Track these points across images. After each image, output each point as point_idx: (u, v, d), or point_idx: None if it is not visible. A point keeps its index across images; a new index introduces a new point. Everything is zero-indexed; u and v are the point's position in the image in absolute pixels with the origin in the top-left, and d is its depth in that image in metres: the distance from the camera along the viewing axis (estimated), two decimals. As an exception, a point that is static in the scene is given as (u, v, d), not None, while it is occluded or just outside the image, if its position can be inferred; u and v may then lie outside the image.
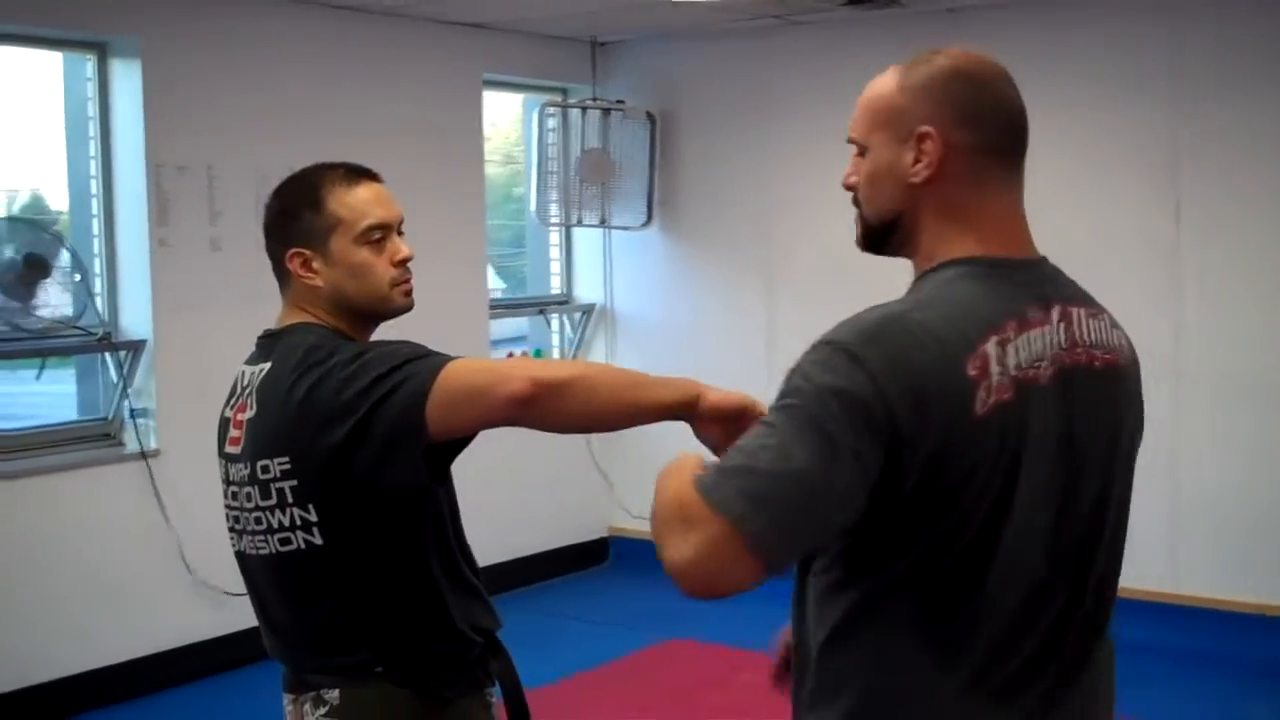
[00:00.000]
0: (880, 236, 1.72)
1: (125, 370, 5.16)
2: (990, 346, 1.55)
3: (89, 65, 5.19)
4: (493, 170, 7.33)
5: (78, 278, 4.99)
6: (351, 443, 2.04)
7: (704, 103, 6.72)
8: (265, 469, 2.13)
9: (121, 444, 5.19)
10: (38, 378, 4.88)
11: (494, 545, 6.41)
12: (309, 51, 5.67)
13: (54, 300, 4.89)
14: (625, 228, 6.81)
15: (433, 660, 2.19)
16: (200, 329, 5.10)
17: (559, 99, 6.85)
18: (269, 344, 2.24)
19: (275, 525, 2.13)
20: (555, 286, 7.20)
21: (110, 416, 5.22)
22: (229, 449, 2.22)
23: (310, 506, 2.10)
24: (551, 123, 6.71)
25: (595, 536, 6.99)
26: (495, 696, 2.33)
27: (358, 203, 2.21)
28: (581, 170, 6.67)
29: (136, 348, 5.15)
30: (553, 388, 2.01)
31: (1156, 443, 5.46)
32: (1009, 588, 1.58)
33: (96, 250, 5.22)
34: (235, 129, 5.31)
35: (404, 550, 2.16)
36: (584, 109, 6.74)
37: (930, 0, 5.77)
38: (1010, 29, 5.82)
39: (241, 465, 2.18)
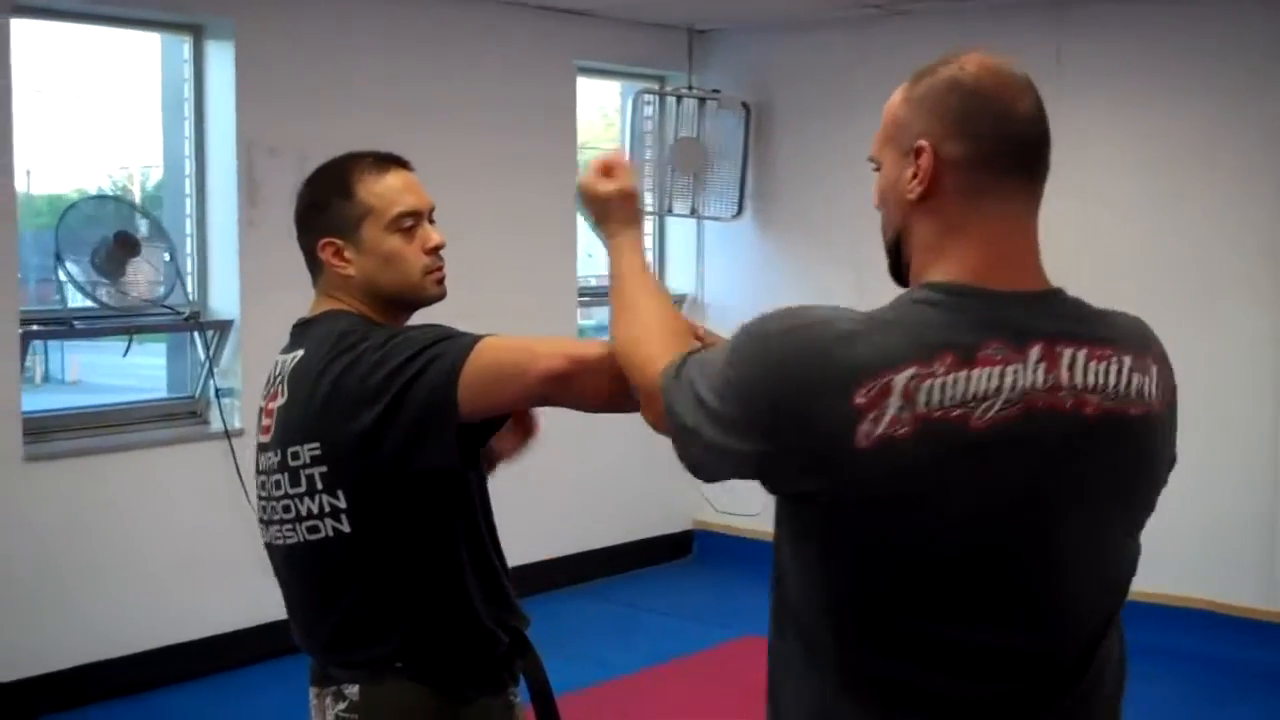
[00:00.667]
0: (894, 259, 1.65)
1: (212, 350, 5.23)
2: (899, 378, 1.45)
3: (185, 46, 5.26)
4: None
5: (167, 257, 5.06)
6: (381, 425, 2.02)
7: (801, 94, 6.62)
8: (295, 455, 2.11)
9: (207, 422, 5.26)
10: (124, 355, 4.96)
11: (577, 535, 6.45)
12: (402, 36, 5.68)
13: (144, 278, 4.96)
14: (716, 218, 6.75)
15: (455, 657, 2.15)
16: (286, 311, 5.01)
17: (655, 86, 6.79)
18: (302, 332, 2.24)
19: (304, 513, 2.11)
20: (647, 276, 7.13)
21: (197, 395, 5.30)
22: (260, 438, 2.22)
23: (340, 493, 2.08)
24: (648, 110, 6.65)
25: (679, 529, 6.94)
26: (520, 697, 2.29)
27: (388, 190, 2.19)
28: (673, 159, 6.62)
29: (224, 328, 5.21)
30: (588, 364, 1.97)
31: (1256, 456, 5.38)
32: (940, 643, 1.50)
33: (189, 230, 5.29)
34: (327, 112, 5.33)
35: (432, 541, 2.13)
36: (679, 97, 6.68)
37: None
38: (1120, 25, 5.65)
39: (271, 453, 2.17)
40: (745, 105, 6.67)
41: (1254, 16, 5.40)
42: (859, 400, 1.45)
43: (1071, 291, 1.61)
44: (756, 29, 6.70)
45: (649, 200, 6.66)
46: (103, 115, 5.39)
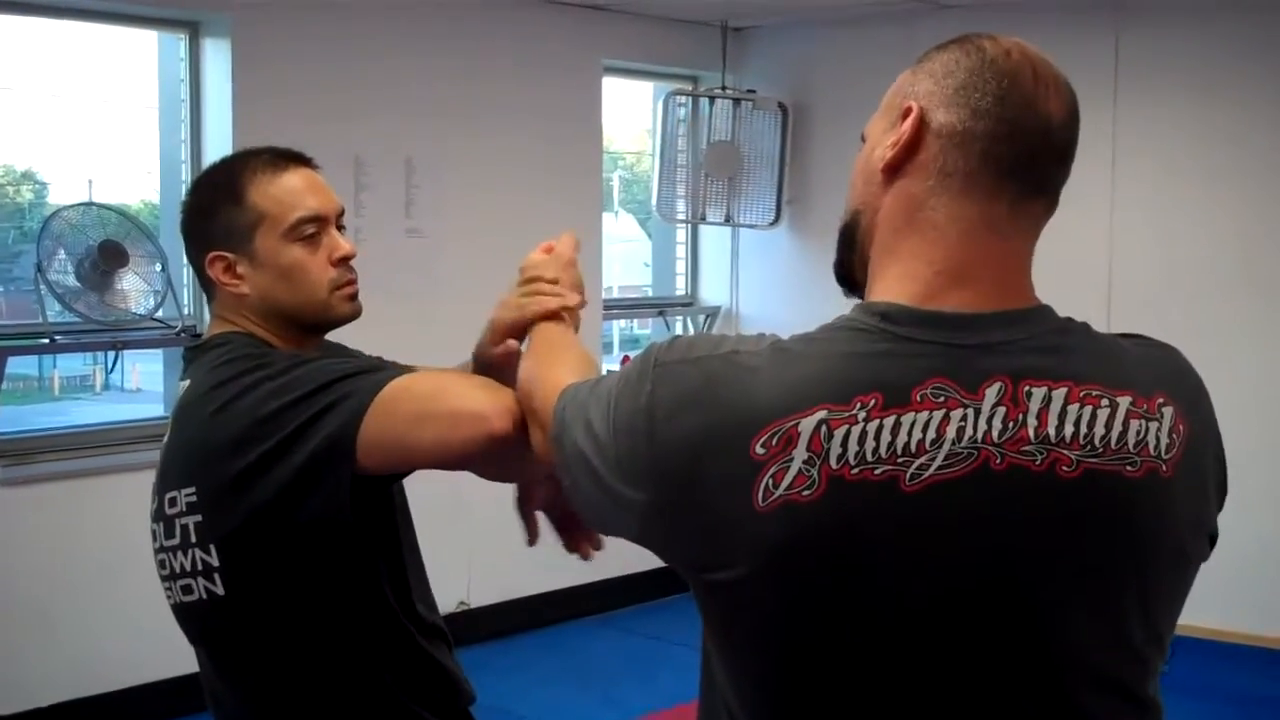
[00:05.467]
0: (843, 254, 1.34)
1: (205, 366, 4.92)
2: (806, 422, 1.13)
3: (181, 45, 4.98)
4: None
5: (158, 267, 4.76)
6: (265, 464, 1.68)
7: (842, 94, 6.22)
8: (172, 501, 1.78)
9: (200, 443, 4.95)
10: (109, 370, 4.68)
11: (597, 561, 6.06)
12: (411, 32, 5.35)
13: (132, 289, 4.66)
14: (752, 226, 6.39)
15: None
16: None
17: (687, 87, 6.45)
18: (191, 358, 1.91)
19: (178, 569, 1.79)
20: (680, 287, 6.81)
21: (189, 414, 4.99)
22: (155, 481, 1.89)
23: (211, 548, 1.74)
24: (681, 112, 6.34)
25: (713, 554, 6.57)
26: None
27: (285, 193, 1.86)
28: (707, 164, 6.27)
29: (217, 342, 4.90)
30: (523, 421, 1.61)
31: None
32: None
33: (184, 239, 5.00)
34: (330, 113, 5.00)
35: (326, 612, 1.77)
36: (713, 98, 6.33)
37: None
38: (1183, 20, 5.25)
39: (153, 498, 1.85)
40: (783, 106, 6.30)
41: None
42: (758, 451, 1.14)
43: (1129, 311, 1.26)
44: (794, 25, 6.33)
45: (681, 208, 6.33)
46: (95, 117, 5.12)
